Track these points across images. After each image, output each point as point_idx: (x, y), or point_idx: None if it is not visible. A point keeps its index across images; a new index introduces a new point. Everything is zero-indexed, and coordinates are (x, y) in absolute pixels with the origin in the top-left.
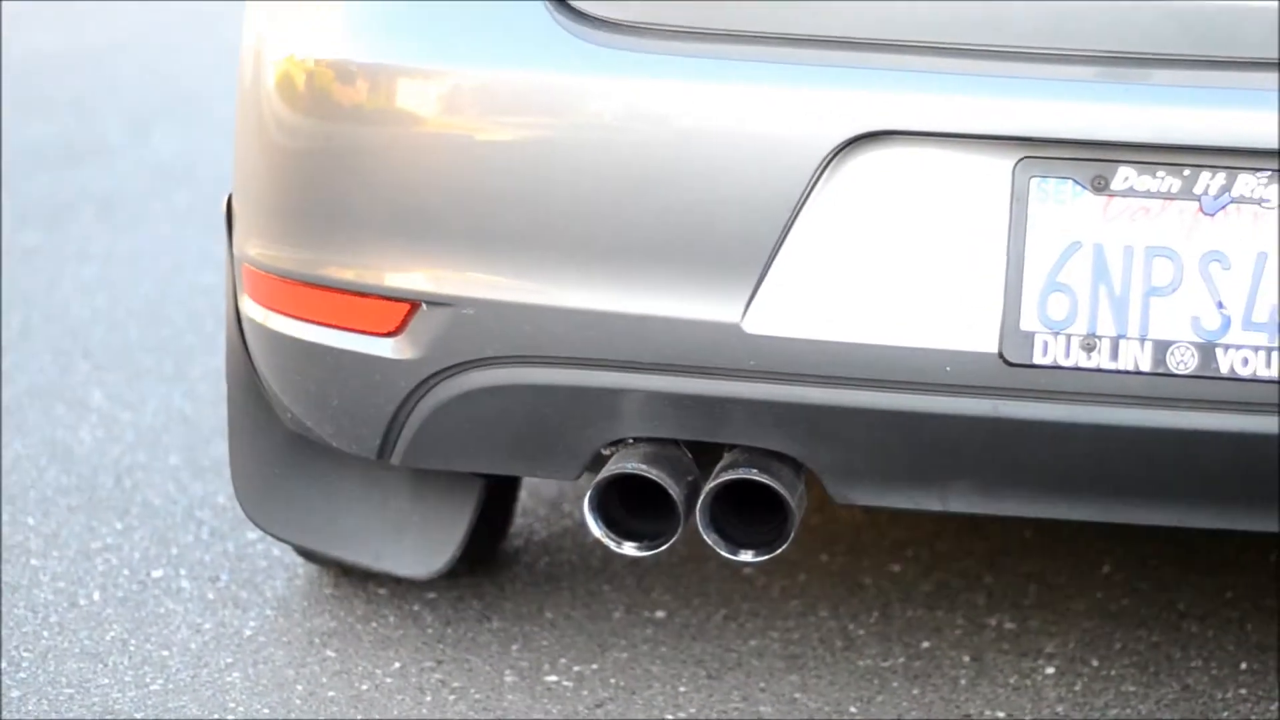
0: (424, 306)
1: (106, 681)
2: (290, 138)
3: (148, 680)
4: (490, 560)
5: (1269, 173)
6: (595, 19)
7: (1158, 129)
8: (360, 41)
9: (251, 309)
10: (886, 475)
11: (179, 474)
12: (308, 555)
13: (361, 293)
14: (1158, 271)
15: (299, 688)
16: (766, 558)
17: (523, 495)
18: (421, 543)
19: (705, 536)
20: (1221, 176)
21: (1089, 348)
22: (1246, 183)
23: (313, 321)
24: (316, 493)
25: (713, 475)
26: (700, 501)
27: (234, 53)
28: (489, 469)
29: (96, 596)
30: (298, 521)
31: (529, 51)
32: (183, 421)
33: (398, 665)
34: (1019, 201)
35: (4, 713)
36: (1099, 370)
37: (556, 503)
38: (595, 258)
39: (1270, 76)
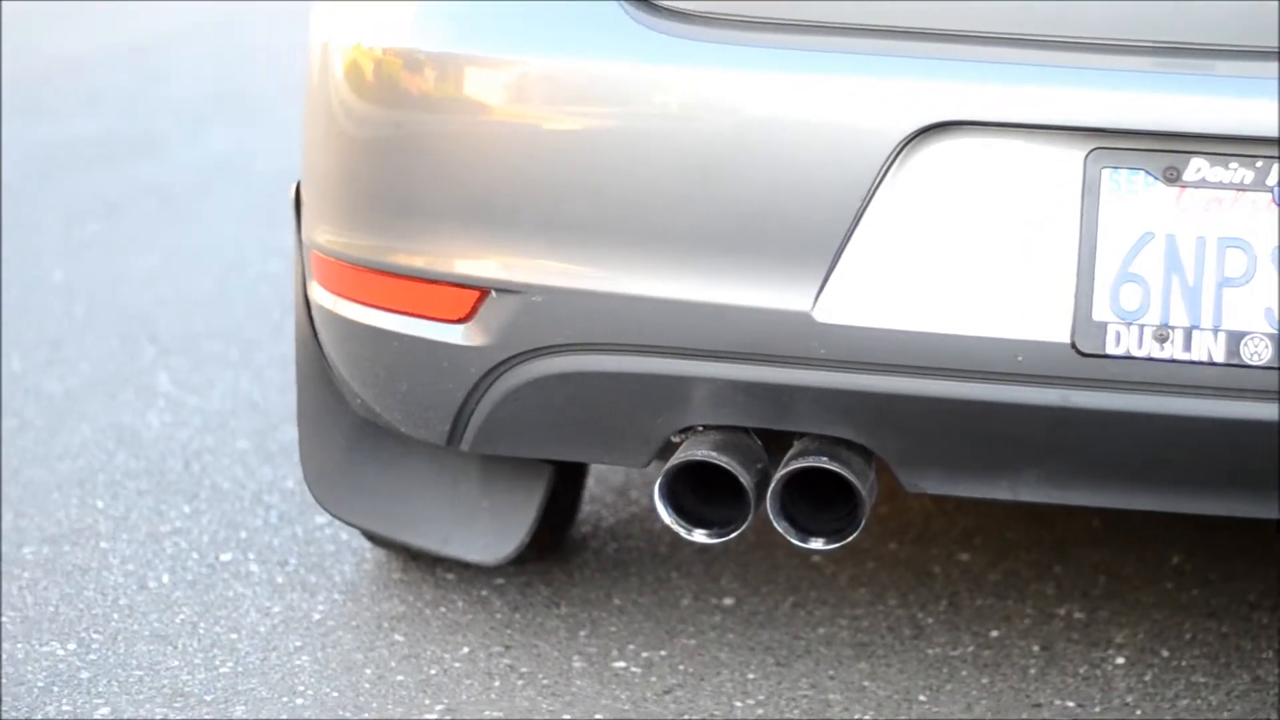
0: (493, 294)
1: (176, 664)
2: (359, 126)
3: (217, 663)
4: (558, 547)
5: None
6: (665, 9)
7: (1231, 120)
8: (430, 31)
9: (321, 296)
10: (956, 464)
11: (247, 458)
12: (376, 540)
13: (431, 280)
14: (1231, 262)
15: (367, 671)
16: (837, 546)
17: (590, 482)
18: (490, 529)
19: (775, 524)
20: None
21: (1162, 338)
22: None
23: (382, 308)
24: (385, 478)
25: (783, 463)
26: (770, 489)
27: (283, 47)
28: (559, 456)
29: (166, 579)
30: (366, 506)
31: (600, 41)
32: (250, 407)
33: (466, 650)
34: (1091, 192)
35: (76, 694)
36: (1172, 361)
37: (624, 490)
38: (665, 246)
39: None
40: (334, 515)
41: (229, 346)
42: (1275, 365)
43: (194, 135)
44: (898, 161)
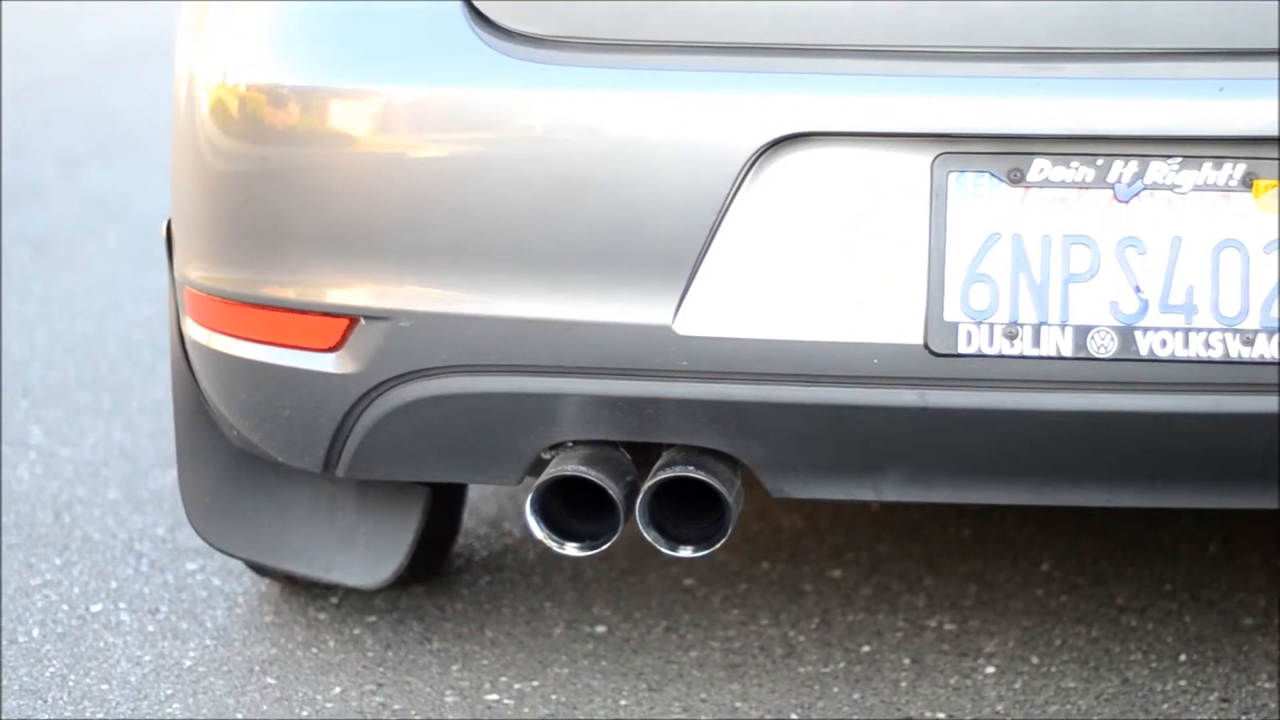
0: (362, 321)
1: (46, 717)
2: (224, 161)
3: (88, 715)
4: (438, 570)
5: (1179, 159)
6: (517, 34)
7: (1069, 121)
8: (290, 65)
9: (195, 331)
10: (820, 467)
11: (118, 508)
12: (260, 570)
13: (301, 310)
14: (1076, 259)
15: (239, 716)
16: (706, 552)
17: (464, 514)
18: (370, 553)
19: (645, 534)
20: (1134, 165)
21: (1011, 335)
22: (1159, 169)
23: (255, 340)
24: (265, 508)
25: (651, 474)
26: (639, 500)
27: (164, 89)
28: (433, 477)
29: (35, 633)
30: (248, 537)
31: (454, 68)
32: (121, 455)
33: (338, 690)
34: (939, 196)
35: None
36: (1022, 357)
37: (497, 521)
38: (529, 267)
39: (1176, 66)
40: (216, 548)
41: (101, 395)
42: (1121, 357)
43: (74, 178)
44: (750, 175)
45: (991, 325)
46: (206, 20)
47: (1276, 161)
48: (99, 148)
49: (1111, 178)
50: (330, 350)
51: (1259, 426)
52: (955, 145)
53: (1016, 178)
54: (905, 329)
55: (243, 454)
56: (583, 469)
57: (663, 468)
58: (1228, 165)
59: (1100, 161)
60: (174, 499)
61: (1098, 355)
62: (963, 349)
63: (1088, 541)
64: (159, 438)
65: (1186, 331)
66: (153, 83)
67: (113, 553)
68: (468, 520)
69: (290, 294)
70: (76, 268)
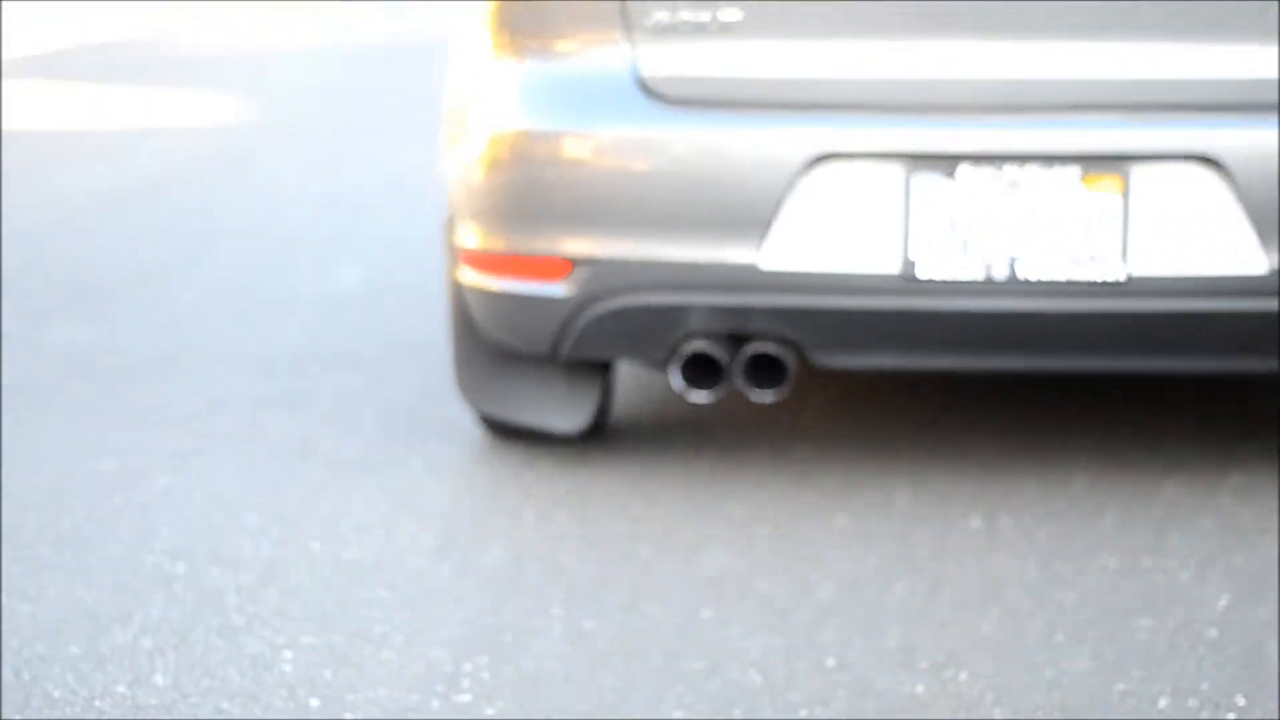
0: (577, 263)
1: None
2: (494, 173)
3: None
4: (604, 426)
5: (1044, 164)
6: (665, 96)
7: (983, 145)
8: (534, 117)
9: (469, 276)
10: (844, 346)
11: (79, 664)
12: (496, 424)
13: (543, 255)
14: (985, 223)
15: None
16: (777, 399)
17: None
18: (570, 409)
19: (740, 387)
20: (1019, 168)
21: (947, 267)
22: (1032, 170)
23: (511, 277)
24: (507, 383)
25: (742, 352)
26: (736, 366)
27: (139, 241)
28: (615, 357)
29: None
30: (497, 402)
31: (628, 116)
32: (83, 612)
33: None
34: (907, 188)
35: None
36: (954, 280)
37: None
38: (677, 230)
39: (1043, 115)
40: (478, 409)
41: (63, 551)
42: (1013, 278)
43: (38, 330)
44: (801, 176)
45: (936, 261)
46: (483, 86)
47: (1095, 164)
48: (66, 301)
49: (1005, 176)
50: (559, 281)
51: (1087, 319)
52: (916, 160)
53: (950, 176)
54: (890, 264)
55: (495, 350)
56: (704, 347)
57: (752, 346)
58: (1072, 167)
59: (999, 166)
60: (135, 656)
61: (996, 279)
62: (919, 276)
63: None
64: (120, 593)
65: (1048, 262)
66: (127, 233)
67: (73, 710)
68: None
69: (536, 246)
70: (38, 422)
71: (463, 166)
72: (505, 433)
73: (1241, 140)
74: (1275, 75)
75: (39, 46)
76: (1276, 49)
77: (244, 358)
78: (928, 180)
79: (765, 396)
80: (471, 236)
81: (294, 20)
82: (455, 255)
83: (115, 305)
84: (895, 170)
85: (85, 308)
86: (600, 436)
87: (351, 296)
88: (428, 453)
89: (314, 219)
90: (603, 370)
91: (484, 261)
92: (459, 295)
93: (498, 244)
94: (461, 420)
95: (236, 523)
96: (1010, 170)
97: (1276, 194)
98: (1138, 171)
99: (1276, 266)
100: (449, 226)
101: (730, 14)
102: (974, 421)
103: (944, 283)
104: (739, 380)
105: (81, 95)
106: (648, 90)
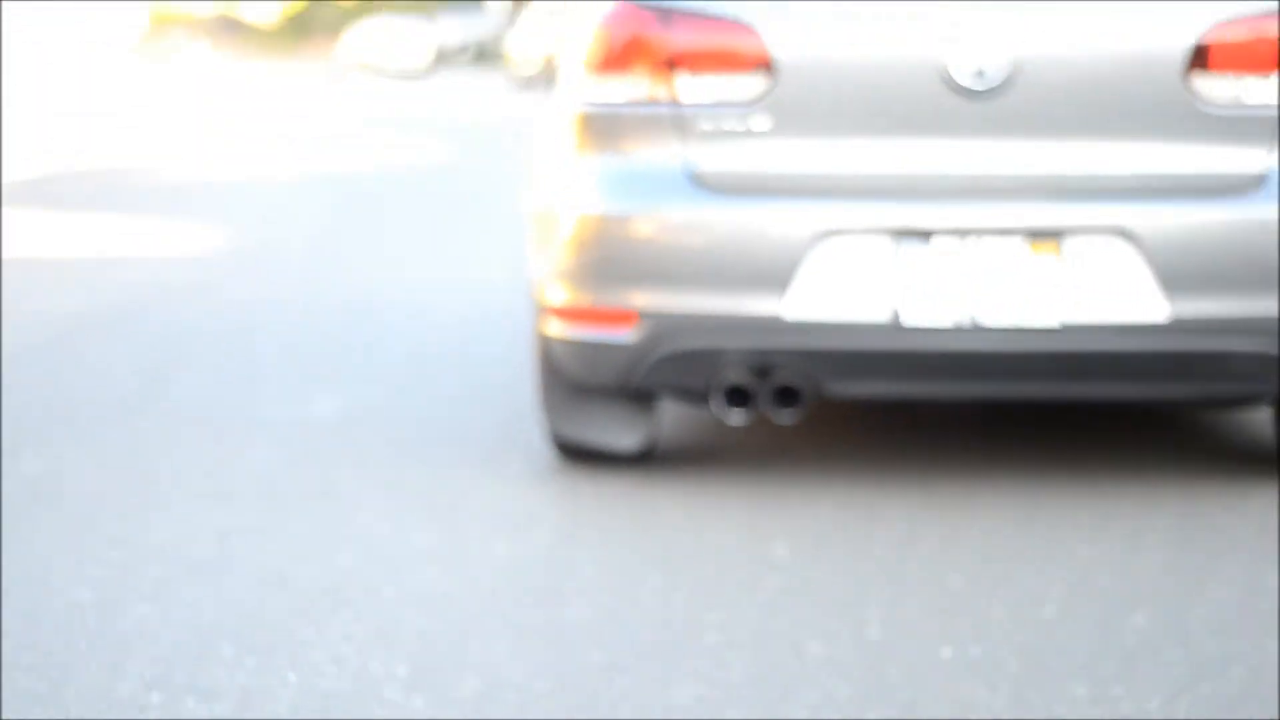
0: (640, 315)
1: None
2: (573, 247)
3: None
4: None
5: (999, 235)
6: (710, 185)
7: (952, 222)
8: (605, 202)
9: (555, 328)
10: (851, 377)
11: None
12: (570, 446)
13: (612, 309)
14: (951, 279)
15: None
16: (794, 420)
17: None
18: (630, 434)
19: (765, 412)
20: (979, 239)
21: (925, 315)
22: (990, 240)
23: (590, 327)
24: (582, 413)
25: (770, 381)
26: (763, 398)
27: (111, 366)
28: (669, 393)
29: None
30: (573, 428)
31: (681, 200)
32: None
33: None
34: (894, 253)
35: None
36: (930, 326)
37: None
38: (712, 287)
39: (995, 199)
40: (554, 431)
41: (36, 681)
42: (975, 327)
43: (11, 460)
44: (812, 245)
45: (917, 311)
46: (570, 178)
47: (1037, 235)
48: (35, 431)
49: (968, 244)
50: (628, 329)
51: (1033, 356)
52: (901, 233)
53: (927, 244)
54: (882, 313)
55: (573, 387)
56: (738, 379)
57: (777, 379)
58: (1020, 238)
59: (964, 237)
60: None
61: (964, 325)
62: (905, 323)
63: None
64: None
65: (1002, 311)
66: (98, 361)
67: None
68: None
69: (610, 300)
70: (9, 551)
71: (553, 240)
72: (576, 454)
73: (1150, 217)
74: (1176, 168)
75: (30, 171)
76: (1175, 147)
77: (212, 488)
78: (910, 249)
79: (785, 418)
80: (560, 294)
81: (308, 152)
82: (544, 313)
83: (85, 436)
84: (885, 241)
85: (55, 438)
86: (573, 574)
87: (324, 424)
88: (401, 583)
89: (285, 347)
90: (652, 404)
91: (569, 314)
92: (546, 345)
93: (582, 300)
94: (437, 549)
95: (213, 652)
96: (973, 240)
97: (1176, 259)
98: (1070, 241)
99: (1175, 315)
100: (538, 289)
101: (759, 123)
102: (952, 539)
103: (924, 329)
104: (765, 405)
105: (56, 223)
106: (696, 181)
